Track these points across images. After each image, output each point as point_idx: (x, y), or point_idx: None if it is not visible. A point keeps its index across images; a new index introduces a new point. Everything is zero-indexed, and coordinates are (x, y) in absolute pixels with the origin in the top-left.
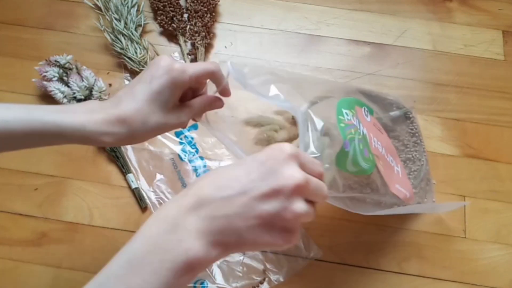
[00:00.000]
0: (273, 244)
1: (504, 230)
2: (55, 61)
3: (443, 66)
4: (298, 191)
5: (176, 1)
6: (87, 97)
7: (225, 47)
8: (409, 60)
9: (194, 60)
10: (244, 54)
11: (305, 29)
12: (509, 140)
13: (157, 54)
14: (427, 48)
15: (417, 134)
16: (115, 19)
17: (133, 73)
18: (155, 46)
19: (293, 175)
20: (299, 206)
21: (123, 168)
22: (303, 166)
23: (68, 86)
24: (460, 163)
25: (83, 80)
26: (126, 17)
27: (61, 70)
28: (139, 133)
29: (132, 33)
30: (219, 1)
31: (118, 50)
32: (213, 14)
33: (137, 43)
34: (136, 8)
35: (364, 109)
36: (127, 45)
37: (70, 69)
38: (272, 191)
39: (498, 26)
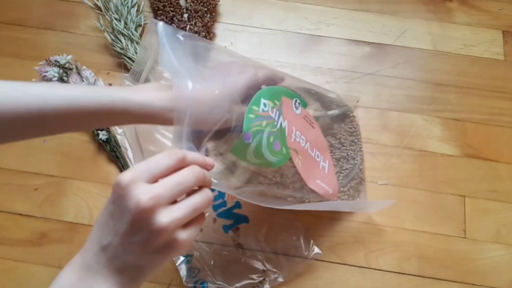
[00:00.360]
0: (168, 258)
1: (504, 230)
2: (55, 61)
3: (443, 66)
4: (151, 210)
5: (176, 1)
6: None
7: (225, 47)
8: (409, 60)
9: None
10: (244, 54)
11: (305, 29)
12: (509, 140)
13: (157, 54)
14: (427, 48)
15: (355, 133)
16: (115, 19)
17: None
18: None
19: (136, 202)
20: (162, 221)
21: (123, 168)
22: (153, 178)
23: None
24: (460, 163)
25: (83, 80)
26: (126, 17)
27: (61, 70)
28: (203, 115)
29: (132, 33)
30: (219, 1)
31: (118, 50)
32: (213, 14)
33: (137, 43)
34: (136, 8)
35: (296, 100)
36: (127, 45)
37: (70, 69)
38: (131, 225)
39: (498, 26)
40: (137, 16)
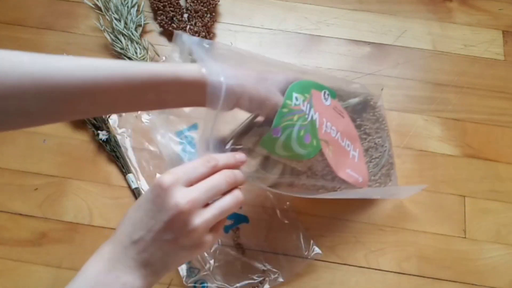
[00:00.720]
0: (192, 256)
1: (504, 230)
2: None
3: (443, 66)
4: (187, 213)
5: (176, 1)
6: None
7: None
8: (409, 60)
9: (194, 60)
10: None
11: (305, 29)
12: (509, 140)
13: (157, 54)
14: (427, 48)
15: (380, 120)
16: (115, 19)
17: None
18: (155, 46)
19: (175, 204)
20: (195, 223)
21: (123, 168)
22: (190, 183)
23: None
24: (460, 163)
25: None
26: (126, 17)
27: None
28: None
29: (132, 33)
30: (219, 1)
31: (118, 50)
32: (213, 14)
33: (137, 43)
34: (136, 8)
35: (325, 92)
36: (127, 45)
37: None
38: (166, 224)
39: (498, 26)
40: (137, 16)
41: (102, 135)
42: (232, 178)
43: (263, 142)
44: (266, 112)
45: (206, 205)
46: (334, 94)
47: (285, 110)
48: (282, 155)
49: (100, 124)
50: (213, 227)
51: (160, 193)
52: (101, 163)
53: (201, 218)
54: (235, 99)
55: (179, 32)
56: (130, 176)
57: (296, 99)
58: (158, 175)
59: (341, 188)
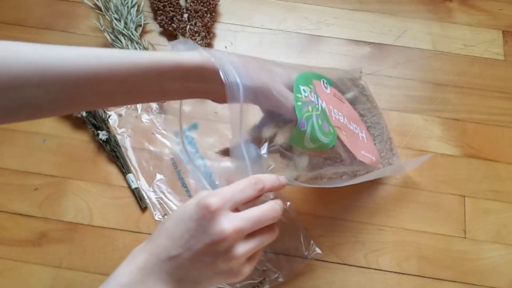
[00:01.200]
0: (224, 281)
1: (504, 230)
2: None
3: (443, 66)
4: (231, 240)
5: (176, 1)
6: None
7: (225, 47)
8: (409, 60)
9: None
10: (244, 54)
11: (305, 29)
12: (509, 140)
13: None
14: (427, 48)
15: (370, 99)
16: (115, 19)
17: None
18: (155, 46)
19: (222, 230)
20: (237, 251)
21: (123, 168)
22: (236, 206)
23: None
24: (460, 163)
25: None
26: (126, 17)
27: None
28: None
29: (132, 33)
30: (219, 1)
31: None
32: (213, 14)
33: (137, 43)
34: (136, 8)
35: (323, 81)
36: (127, 45)
37: None
38: (208, 247)
39: (498, 26)
40: (137, 16)
41: (102, 135)
42: (278, 214)
43: (293, 138)
44: (282, 109)
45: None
46: (331, 82)
47: (299, 103)
48: (311, 147)
49: (100, 124)
50: (250, 257)
51: (206, 215)
52: (101, 163)
53: (243, 248)
54: (253, 97)
55: (173, 42)
56: (130, 176)
57: (304, 91)
58: (158, 175)
59: (360, 172)
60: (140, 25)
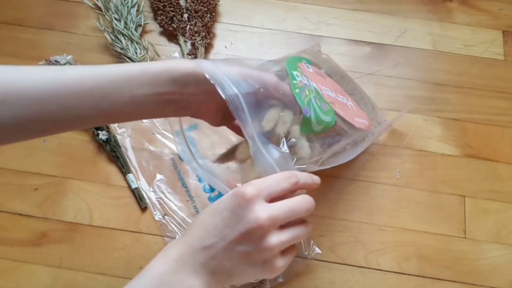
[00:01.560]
0: (257, 276)
1: (504, 230)
2: (55, 61)
3: (443, 66)
4: (266, 228)
5: (176, 1)
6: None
7: (225, 47)
8: (409, 60)
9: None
10: (244, 54)
11: (305, 29)
12: (509, 140)
13: (157, 55)
14: (427, 48)
15: (339, 69)
16: (115, 19)
17: None
18: (155, 46)
19: (256, 217)
20: (271, 241)
21: (123, 168)
22: (270, 197)
23: None
24: (460, 163)
25: None
26: (126, 17)
27: None
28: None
29: (132, 33)
30: (219, 1)
31: (118, 50)
32: (213, 14)
33: (137, 43)
34: (136, 8)
35: (304, 62)
36: (127, 45)
37: None
38: (243, 235)
39: (498, 26)
40: (137, 16)
41: (102, 135)
42: (312, 207)
43: (303, 127)
44: (284, 101)
45: (281, 226)
46: (309, 61)
47: (297, 90)
48: (318, 130)
49: None
50: (284, 252)
51: (241, 203)
52: (101, 163)
53: (278, 238)
54: (255, 101)
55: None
56: (130, 176)
57: (297, 76)
58: (158, 175)
59: (358, 139)
60: (140, 25)
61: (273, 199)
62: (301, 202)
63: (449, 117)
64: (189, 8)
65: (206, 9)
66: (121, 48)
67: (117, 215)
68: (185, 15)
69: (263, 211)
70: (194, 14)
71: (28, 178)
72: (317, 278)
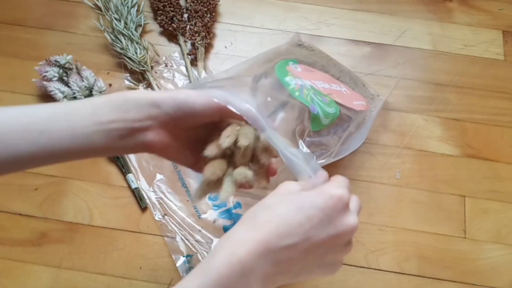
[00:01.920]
0: (320, 276)
1: (504, 230)
2: (55, 61)
3: (443, 66)
4: (353, 233)
5: (176, 1)
6: (87, 97)
7: (225, 47)
8: (409, 60)
9: (195, 60)
10: (244, 54)
11: (305, 29)
12: (509, 140)
13: (157, 55)
14: (427, 48)
15: (322, 54)
16: (115, 19)
17: (133, 73)
18: (155, 46)
19: (351, 224)
20: (351, 244)
21: (123, 168)
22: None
23: (68, 86)
24: (460, 163)
25: (83, 80)
26: (126, 17)
27: (61, 70)
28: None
29: (132, 33)
30: (219, 1)
31: (118, 50)
32: (213, 14)
33: (137, 43)
34: (136, 8)
35: (291, 63)
36: (127, 45)
37: (70, 69)
38: (330, 238)
39: (498, 26)
40: (137, 16)
41: None
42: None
43: (313, 124)
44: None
45: None
46: (295, 60)
47: (297, 93)
48: (327, 123)
49: None
50: None
51: (337, 205)
52: (101, 163)
53: (352, 245)
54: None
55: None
56: (130, 176)
57: (291, 80)
58: (158, 175)
59: (360, 121)
60: (140, 25)
61: None
62: (358, 200)
63: (449, 117)
64: (189, 8)
65: (206, 9)
66: (121, 48)
67: (117, 215)
68: (185, 15)
69: (354, 217)
70: (194, 14)
71: (28, 178)
72: (317, 278)
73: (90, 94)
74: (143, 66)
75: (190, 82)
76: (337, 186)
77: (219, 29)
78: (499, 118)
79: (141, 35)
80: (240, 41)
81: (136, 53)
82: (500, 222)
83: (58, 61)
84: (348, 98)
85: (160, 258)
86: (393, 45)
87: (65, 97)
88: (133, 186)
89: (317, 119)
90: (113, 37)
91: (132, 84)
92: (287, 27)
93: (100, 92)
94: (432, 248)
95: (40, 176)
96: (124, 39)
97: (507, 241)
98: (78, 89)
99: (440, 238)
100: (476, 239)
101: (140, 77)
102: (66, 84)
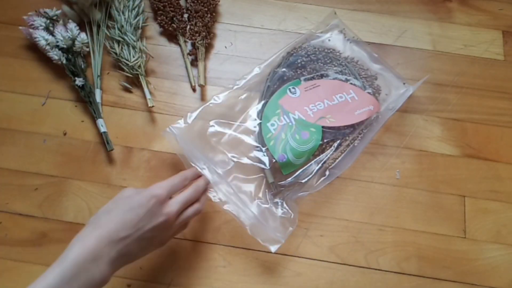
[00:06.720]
0: (152, 250)
1: (504, 230)
2: (44, 12)
3: (443, 66)
4: (173, 219)
5: (176, 1)
6: (70, 48)
7: (225, 47)
8: (409, 60)
9: (195, 60)
10: (244, 54)
11: (305, 29)
12: (509, 140)
13: (152, 56)
14: (427, 48)
15: (330, 55)
16: (110, 26)
17: (128, 77)
18: (155, 46)
19: (167, 213)
20: (174, 226)
21: (95, 113)
22: (171, 194)
23: (53, 36)
24: (460, 163)
25: (67, 31)
26: (124, 20)
27: (48, 21)
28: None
29: (128, 37)
30: (219, 1)
31: (115, 56)
32: (213, 14)
33: (133, 47)
34: (136, 8)
35: (289, 90)
36: (122, 50)
37: (57, 21)
38: (154, 227)
39: (498, 26)
40: (135, 17)
41: (79, 81)
42: (201, 191)
43: (283, 170)
44: None
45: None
46: (297, 82)
47: (271, 143)
48: (301, 162)
49: (78, 71)
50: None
51: (155, 203)
52: (101, 163)
53: (177, 223)
54: None
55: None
56: (100, 121)
57: (272, 125)
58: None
59: (363, 129)
60: (138, 28)
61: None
62: (193, 192)
63: (449, 117)
64: (189, 8)
65: (206, 9)
66: (116, 54)
67: None
68: (185, 15)
69: (171, 208)
70: (194, 14)
71: (28, 178)
72: (317, 278)
73: (73, 45)
74: (136, 71)
75: (190, 82)
76: (159, 187)
77: (219, 29)
78: (499, 118)
79: (141, 36)
80: (240, 41)
81: (129, 57)
82: (500, 222)
83: (47, 13)
84: (348, 110)
85: (160, 258)
86: (393, 45)
87: (48, 44)
88: (102, 130)
89: (286, 165)
90: (111, 42)
91: (128, 86)
92: (287, 27)
93: (82, 44)
94: (432, 248)
95: (40, 176)
96: (118, 45)
97: (507, 241)
98: (62, 38)
99: (440, 238)
100: (476, 239)
101: (135, 80)
102: (51, 34)
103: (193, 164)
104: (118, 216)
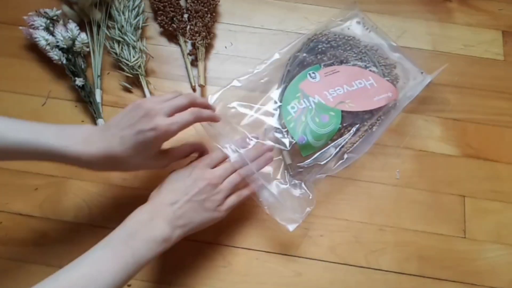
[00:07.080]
0: (209, 220)
1: (504, 230)
2: (44, 12)
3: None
4: (214, 184)
5: (177, 2)
6: (70, 48)
7: (225, 47)
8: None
9: (195, 60)
10: (244, 54)
11: (305, 29)
12: (509, 140)
13: (152, 57)
14: (427, 48)
15: (350, 43)
16: (110, 26)
17: (128, 76)
18: (156, 46)
19: (208, 177)
20: (219, 194)
21: (95, 113)
22: (212, 165)
23: (53, 36)
24: (460, 163)
25: (67, 31)
26: (124, 20)
27: (48, 21)
28: (121, 168)
29: (128, 37)
30: (219, 1)
31: (115, 56)
32: (214, 14)
33: (133, 47)
34: (136, 9)
35: (309, 74)
36: (122, 50)
37: (57, 21)
38: (199, 189)
39: (498, 26)
40: (135, 18)
41: (79, 81)
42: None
43: (303, 151)
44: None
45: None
46: (317, 67)
47: (292, 125)
48: (320, 144)
49: (78, 71)
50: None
51: (198, 173)
52: None
53: (223, 188)
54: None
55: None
56: (100, 120)
57: (292, 108)
58: None
59: (381, 115)
60: (138, 28)
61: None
62: (229, 165)
63: (449, 117)
64: (189, 8)
65: (206, 9)
66: (116, 54)
67: (117, 215)
68: (185, 15)
69: (211, 174)
70: (195, 14)
71: (28, 178)
72: (318, 278)
73: (73, 45)
74: (136, 71)
75: (190, 82)
76: (203, 167)
77: (219, 29)
78: (499, 118)
79: (141, 36)
80: (240, 41)
81: (129, 57)
82: (500, 222)
83: (47, 13)
84: (368, 96)
85: (161, 258)
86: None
87: (48, 44)
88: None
89: (305, 147)
90: (111, 43)
91: (128, 86)
92: (287, 27)
93: (82, 44)
94: (432, 248)
95: (40, 176)
96: (118, 45)
97: (507, 241)
98: (62, 38)
99: (440, 238)
100: (475, 239)
101: (135, 80)
102: (52, 34)
103: (218, 146)
104: (166, 187)
